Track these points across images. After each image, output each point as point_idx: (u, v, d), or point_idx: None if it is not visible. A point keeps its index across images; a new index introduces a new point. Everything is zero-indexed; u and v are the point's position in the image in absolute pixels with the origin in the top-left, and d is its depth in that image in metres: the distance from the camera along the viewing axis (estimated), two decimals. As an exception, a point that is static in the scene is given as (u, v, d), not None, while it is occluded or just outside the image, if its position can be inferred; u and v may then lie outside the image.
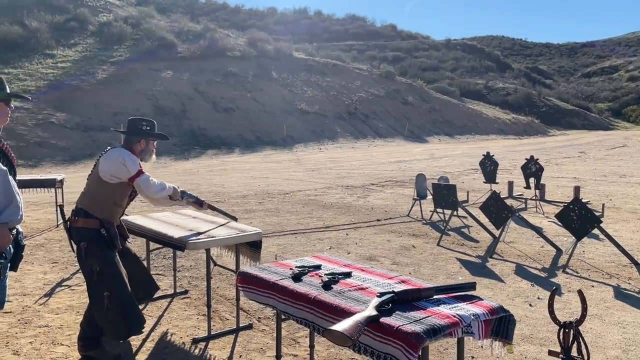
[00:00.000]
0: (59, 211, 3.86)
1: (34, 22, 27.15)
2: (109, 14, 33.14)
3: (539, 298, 4.74)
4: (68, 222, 3.54)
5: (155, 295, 4.66)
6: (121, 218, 3.77)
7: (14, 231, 2.78)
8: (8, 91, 2.81)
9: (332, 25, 72.79)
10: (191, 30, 33.95)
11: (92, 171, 3.63)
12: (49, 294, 4.79)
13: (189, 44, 30.88)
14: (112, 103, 21.75)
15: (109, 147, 3.64)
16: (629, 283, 5.20)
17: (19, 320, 4.17)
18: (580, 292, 2.26)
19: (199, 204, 4.00)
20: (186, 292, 4.90)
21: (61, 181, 7.90)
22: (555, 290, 2.35)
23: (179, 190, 3.84)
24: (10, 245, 2.75)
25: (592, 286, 5.11)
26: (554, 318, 2.27)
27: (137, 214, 4.93)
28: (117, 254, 3.57)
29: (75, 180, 11.30)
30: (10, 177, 2.76)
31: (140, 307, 4.40)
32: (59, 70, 23.63)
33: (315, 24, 69.52)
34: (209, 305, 3.94)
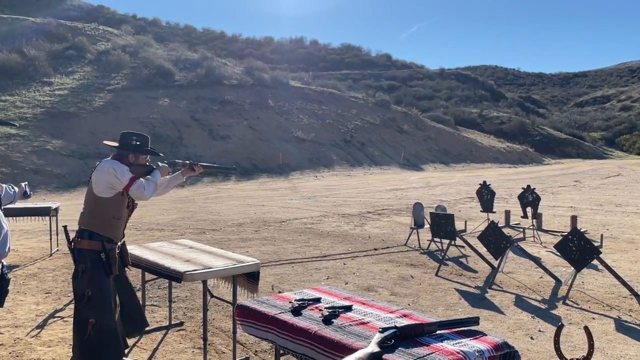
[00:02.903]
0: (64, 232, 3.81)
1: (32, 50, 27.41)
2: (107, 43, 33.50)
3: (540, 330, 4.67)
4: (72, 243, 3.50)
5: (150, 328, 4.58)
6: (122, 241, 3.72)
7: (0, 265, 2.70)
8: None
9: (328, 54, 73.83)
10: (189, 58, 34.29)
11: (87, 189, 3.60)
12: (41, 326, 4.69)
13: (186, 72, 31.16)
14: (109, 130, 21.75)
15: (98, 162, 3.61)
16: (630, 315, 5.14)
17: (10, 353, 4.07)
18: (586, 329, 2.22)
19: (191, 169, 3.89)
20: (181, 324, 4.81)
21: (56, 209, 7.83)
22: (561, 327, 2.30)
23: (168, 169, 3.77)
24: None
25: (593, 318, 5.05)
26: (560, 355, 2.22)
27: (133, 244, 4.87)
28: (113, 280, 3.52)
29: (70, 207, 11.21)
30: None
31: (134, 340, 4.32)
32: (56, 97, 23.73)
33: (311, 53, 70.50)
34: (205, 338, 3.86)
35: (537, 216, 9.51)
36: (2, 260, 2.74)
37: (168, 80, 29.16)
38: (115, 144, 3.65)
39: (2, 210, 2.77)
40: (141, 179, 3.50)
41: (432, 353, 2.12)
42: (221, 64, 34.96)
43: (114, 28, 39.40)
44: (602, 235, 8.35)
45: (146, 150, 3.68)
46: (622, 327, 4.82)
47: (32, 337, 4.42)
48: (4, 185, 3.47)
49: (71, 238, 3.58)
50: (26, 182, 3.74)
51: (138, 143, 3.62)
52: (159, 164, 3.80)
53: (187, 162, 3.92)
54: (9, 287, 2.81)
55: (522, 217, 9.65)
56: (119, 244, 3.62)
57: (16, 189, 3.54)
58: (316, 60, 67.89)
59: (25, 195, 3.62)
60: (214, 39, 64.49)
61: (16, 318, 4.88)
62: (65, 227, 3.91)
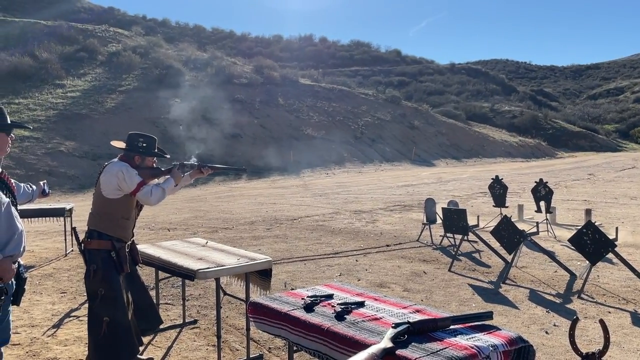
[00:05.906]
0: (73, 234, 3.85)
1: (44, 53, 27.67)
2: (117, 44, 33.72)
3: (555, 325, 4.64)
4: (82, 244, 3.54)
5: (164, 326, 4.61)
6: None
7: (16, 264, 2.73)
8: (8, 121, 2.81)
9: (337, 51, 73.67)
10: (198, 58, 34.43)
11: (95, 190, 3.62)
12: (57, 325, 4.74)
13: (196, 72, 31.28)
14: (121, 131, 21.85)
15: (106, 163, 3.62)
16: (647, 308, 5.08)
17: (27, 352, 4.12)
18: (602, 322, 2.20)
19: (200, 172, 3.88)
20: (195, 322, 4.83)
21: (70, 210, 7.91)
22: (577, 321, 2.28)
23: (178, 172, 3.75)
24: (12, 279, 2.69)
25: (609, 312, 5.00)
26: (576, 349, 2.20)
27: (146, 243, 4.90)
28: (125, 279, 3.54)
29: (84, 208, 11.30)
30: (13, 208, 2.73)
31: (149, 338, 4.36)
32: (68, 99, 23.94)
33: (320, 50, 70.42)
34: (218, 336, 3.88)
35: (550, 210, 9.43)
36: (19, 260, 2.77)
37: (178, 80, 29.30)
38: (123, 145, 3.67)
39: (17, 210, 2.80)
40: (150, 184, 3.53)
41: (445, 348, 2.11)
42: (231, 63, 35.06)
43: (124, 29, 39.63)
44: (617, 228, 8.26)
45: (153, 153, 3.70)
46: (638, 320, 4.76)
47: (49, 336, 4.47)
48: (21, 185, 3.51)
49: (81, 239, 3.61)
50: (45, 181, 3.77)
51: (145, 145, 3.64)
52: (183, 164, 3.81)
53: (196, 164, 3.92)
54: (25, 286, 2.84)
55: (535, 211, 9.57)
56: (128, 242, 3.65)
57: (34, 187, 3.58)
58: (325, 57, 67.81)
59: (43, 194, 3.66)
60: (223, 38, 64.66)
61: (32, 318, 4.94)
62: (74, 228, 3.94)
